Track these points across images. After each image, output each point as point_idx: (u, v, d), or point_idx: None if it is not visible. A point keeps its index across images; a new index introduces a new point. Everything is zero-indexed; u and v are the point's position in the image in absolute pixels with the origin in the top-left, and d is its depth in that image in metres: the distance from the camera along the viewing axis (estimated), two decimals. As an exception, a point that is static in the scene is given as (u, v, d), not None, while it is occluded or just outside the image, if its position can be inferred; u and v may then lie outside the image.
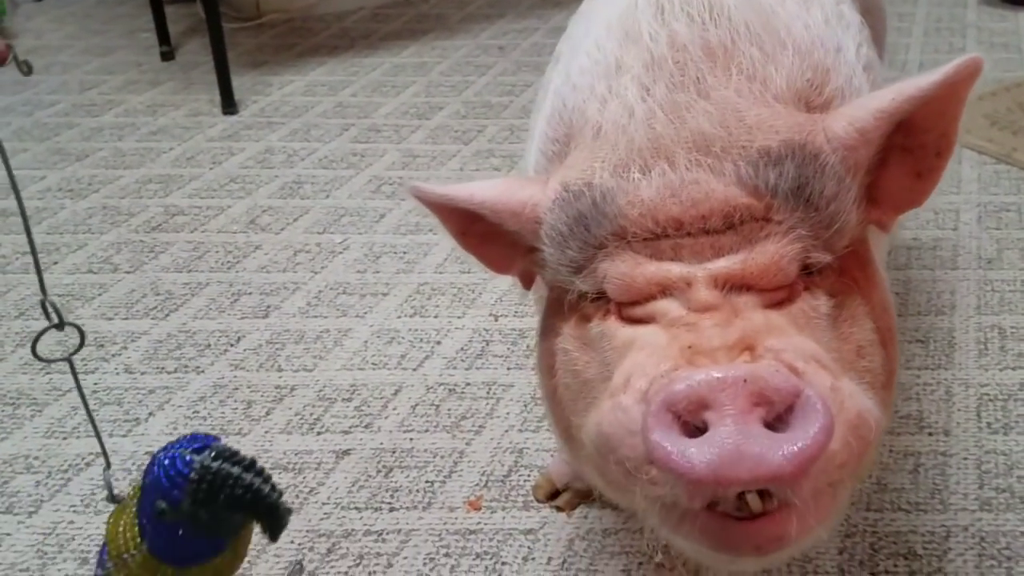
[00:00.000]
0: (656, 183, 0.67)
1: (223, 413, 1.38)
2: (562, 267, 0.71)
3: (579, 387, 0.72)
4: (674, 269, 0.66)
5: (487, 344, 1.51)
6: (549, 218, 0.71)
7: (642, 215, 0.67)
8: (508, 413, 1.37)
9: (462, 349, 1.50)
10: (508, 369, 1.46)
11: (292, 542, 1.17)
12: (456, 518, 1.19)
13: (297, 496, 1.23)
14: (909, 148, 0.70)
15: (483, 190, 0.74)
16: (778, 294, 0.66)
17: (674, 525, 0.62)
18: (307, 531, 1.18)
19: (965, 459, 1.26)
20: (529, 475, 1.26)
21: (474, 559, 1.14)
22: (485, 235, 0.77)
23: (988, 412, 1.34)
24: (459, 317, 1.57)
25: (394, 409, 1.38)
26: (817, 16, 0.79)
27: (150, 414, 1.38)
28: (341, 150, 2.19)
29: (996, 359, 1.45)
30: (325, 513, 1.20)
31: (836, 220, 0.67)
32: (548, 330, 0.77)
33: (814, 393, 0.57)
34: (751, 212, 0.66)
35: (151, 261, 1.76)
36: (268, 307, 1.62)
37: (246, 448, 1.30)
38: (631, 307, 0.68)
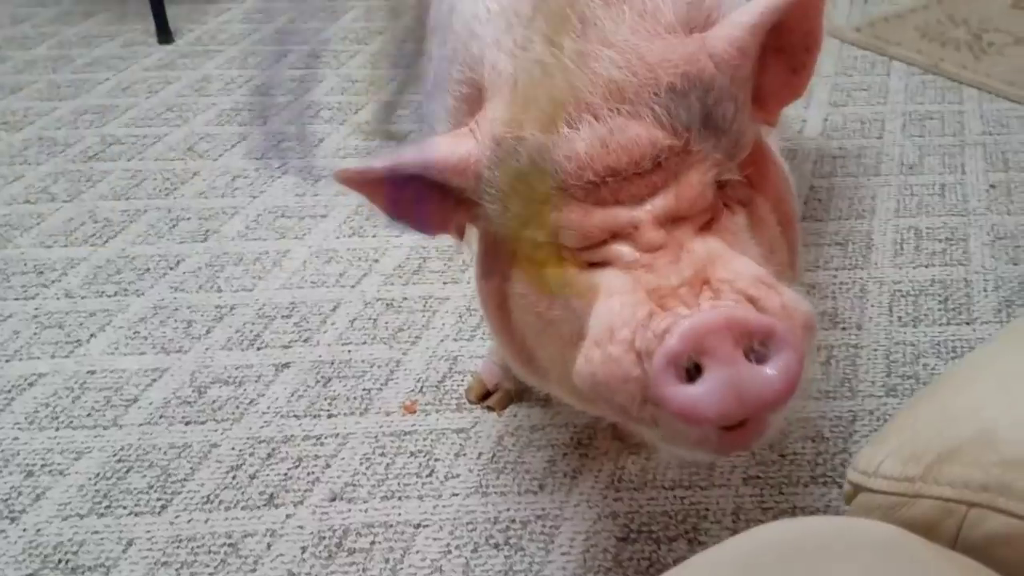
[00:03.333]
0: (586, 136, 0.71)
1: (164, 332, 1.41)
2: (506, 219, 0.76)
3: (543, 326, 0.78)
4: (621, 214, 0.72)
5: (424, 260, 1.55)
6: (488, 175, 0.75)
7: (580, 168, 0.72)
8: (443, 324, 1.41)
9: (399, 266, 1.54)
10: (444, 284, 1.50)
11: (233, 448, 1.21)
12: (392, 421, 1.25)
13: (237, 407, 1.27)
14: (781, 48, 0.76)
15: (427, 152, 0.77)
16: (705, 216, 0.73)
17: (674, 441, 0.71)
18: (247, 438, 1.23)
19: (875, 350, 1.34)
20: (463, 380, 1.31)
21: (408, 457, 1.20)
22: (416, 199, 0.80)
23: (899, 307, 1.41)
24: (397, 236, 1.60)
25: (333, 324, 1.42)
26: None
27: (91, 335, 1.41)
28: (278, 76, 2.18)
29: (911, 258, 1.51)
30: (265, 422, 1.25)
31: (739, 135, 0.74)
32: (491, 272, 0.82)
33: (782, 327, 0.65)
34: (673, 149, 0.72)
35: (89, 190, 1.77)
36: (207, 231, 1.64)
37: (186, 365, 1.35)
38: (585, 251, 0.73)
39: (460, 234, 0.85)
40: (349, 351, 1.37)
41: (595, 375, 0.69)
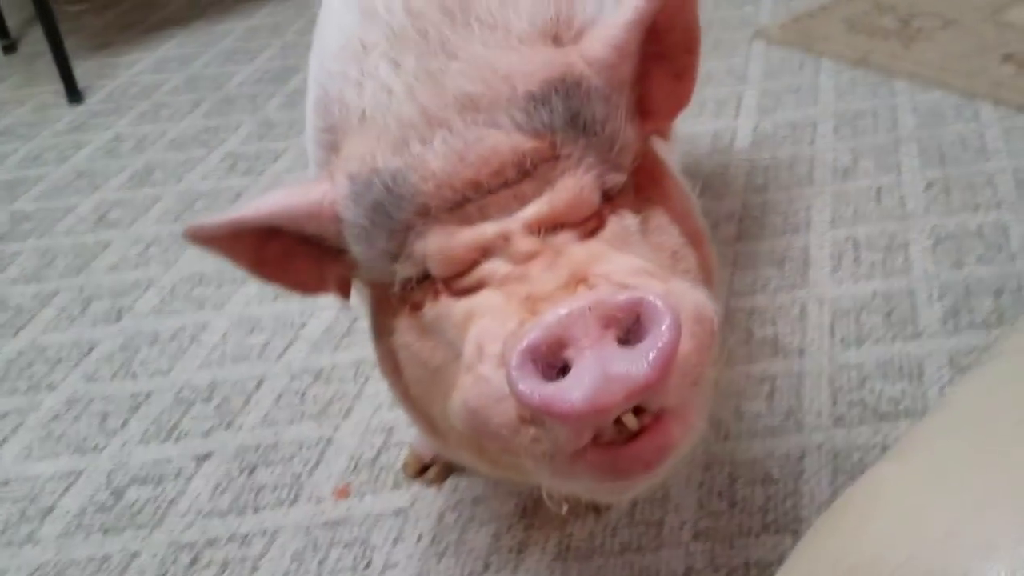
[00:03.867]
0: (441, 151, 0.66)
1: (78, 430, 1.33)
2: (376, 260, 0.70)
3: (431, 377, 0.71)
4: (488, 228, 0.66)
5: (355, 321, 1.48)
6: (347, 215, 0.69)
7: (439, 186, 0.66)
8: (377, 391, 1.35)
9: (328, 329, 1.47)
10: (373, 344, 1.43)
11: (155, 556, 1.14)
12: (324, 509, 1.18)
13: (157, 509, 1.20)
14: (662, 53, 0.72)
15: (272, 201, 0.71)
16: (589, 224, 0.68)
17: (565, 472, 0.62)
18: (169, 544, 1.15)
19: (819, 377, 1.29)
20: (399, 453, 1.25)
21: (343, 548, 1.13)
22: (284, 256, 0.75)
23: (841, 326, 1.37)
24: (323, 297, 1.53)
25: (256, 403, 1.34)
26: None
27: (3, 440, 1.33)
28: (193, 128, 2.10)
29: (850, 271, 1.47)
30: (187, 524, 1.18)
31: (616, 139, 0.69)
32: (382, 330, 0.76)
33: (653, 297, 0.58)
34: (539, 154, 0.67)
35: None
36: (120, 310, 1.56)
37: (102, 464, 1.27)
38: (458, 279, 0.68)
39: (343, 291, 0.78)
40: (275, 432, 1.30)
41: (467, 402, 0.62)
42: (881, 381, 1.27)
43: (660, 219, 0.72)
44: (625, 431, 0.60)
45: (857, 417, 1.22)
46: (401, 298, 0.71)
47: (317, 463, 1.24)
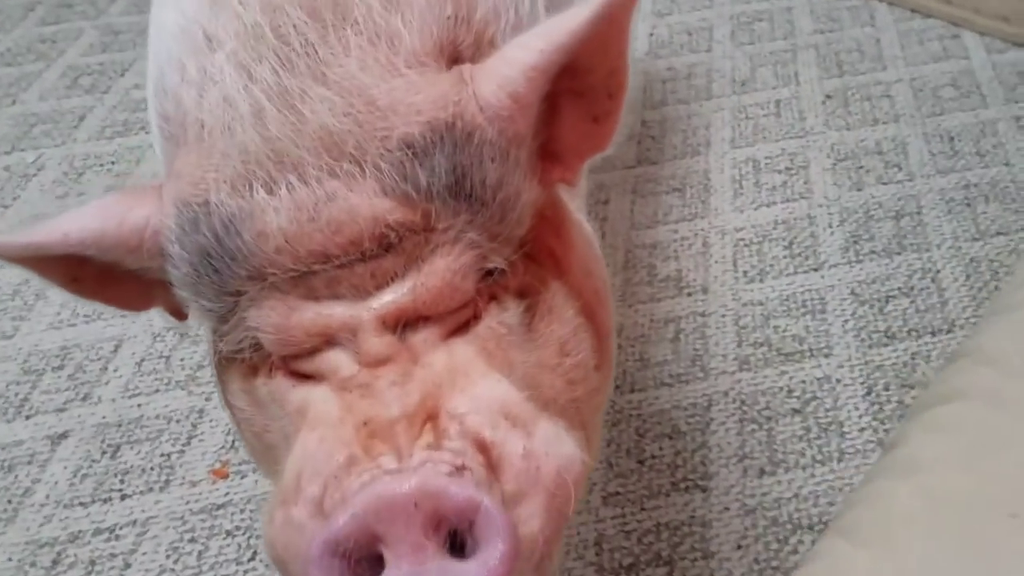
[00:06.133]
0: (287, 205, 0.53)
1: (-92, 411, 1.17)
2: (204, 314, 0.57)
3: (264, 450, 0.61)
4: (335, 313, 0.54)
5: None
6: (171, 251, 0.56)
7: (278, 250, 0.53)
8: (252, 346, 1.23)
9: (191, 278, 1.33)
10: (246, 294, 1.30)
11: (10, 559, 1.02)
12: (200, 493, 1.08)
13: (10, 502, 1.07)
14: (579, 92, 0.58)
15: (81, 222, 0.56)
16: (460, 314, 0.55)
17: None
18: (26, 543, 1.03)
19: (723, 316, 1.24)
20: (278, 421, 1.14)
21: (224, 538, 1.03)
22: (102, 278, 0.60)
23: (744, 259, 1.32)
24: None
25: (115, 371, 1.21)
26: None
27: None
28: (27, 37, 1.84)
29: (751, 197, 1.41)
30: (45, 517, 1.06)
31: (508, 208, 0.55)
32: (219, 371, 0.63)
33: (493, 506, 0.48)
34: (408, 226, 0.53)
35: None
36: (-49, 263, 1.37)
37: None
38: (296, 360, 0.55)
39: (177, 316, 0.64)
40: (139, 405, 1.17)
41: (274, 543, 0.52)
42: (785, 318, 1.23)
43: (553, 297, 0.60)
44: None
45: (762, 358, 1.18)
46: (224, 351, 0.59)
47: (189, 439, 1.13)
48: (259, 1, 0.56)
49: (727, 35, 1.74)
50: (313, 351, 0.54)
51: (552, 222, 0.61)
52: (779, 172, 1.45)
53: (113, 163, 1.52)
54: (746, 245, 1.34)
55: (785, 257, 1.32)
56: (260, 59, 0.54)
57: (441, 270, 0.54)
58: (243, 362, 0.58)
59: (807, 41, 1.71)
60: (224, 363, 0.60)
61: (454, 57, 0.58)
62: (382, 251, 0.53)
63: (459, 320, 0.55)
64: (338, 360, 0.54)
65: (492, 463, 0.50)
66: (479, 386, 0.53)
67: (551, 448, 0.52)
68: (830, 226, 1.36)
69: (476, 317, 0.55)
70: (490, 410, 0.52)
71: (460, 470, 0.49)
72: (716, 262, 1.31)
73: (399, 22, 0.55)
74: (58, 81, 1.72)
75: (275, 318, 0.54)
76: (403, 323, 0.54)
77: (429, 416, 0.51)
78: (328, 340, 0.54)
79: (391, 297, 0.53)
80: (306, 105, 0.53)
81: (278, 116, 0.53)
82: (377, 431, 0.51)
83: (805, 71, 1.64)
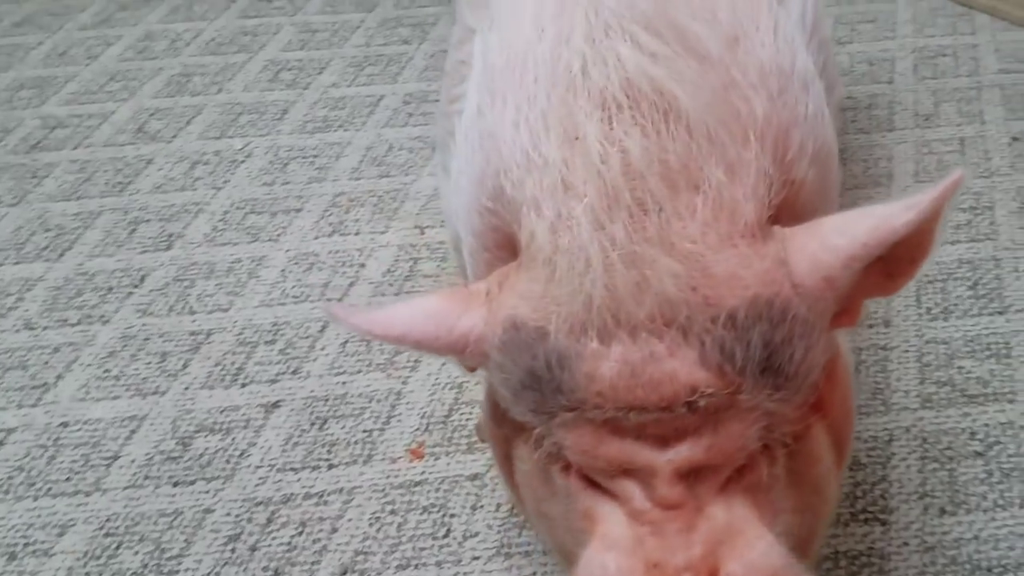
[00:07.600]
0: (616, 359, 0.60)
1: (137, 369, 1.29)
2: (512, 408, 0.66)
3: (535, 510, 0.72)
4: (639, 455, 0.61)
5: (415, 262, 1.42)
6: (497, 358, 0.65)
7: (600, 395, 0.61)
8: (442, 338, 1.30)
9: (388, 271, 1.41)
10: (440, 289, 1.38)
11: (229, 514, 1.12)
12: (399, 470, 1.16)
13: (228, 461, 1.17)
14: (881, 256, 0.62)
15: (411, 319, 0.65)
16: (735, 465, 0.63)
17: None
18: (243, 501, 1.13)
19: (906, 352, 1.25)
20: (471, 412, 1.22)
21: (421, 514, 1.11)
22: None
23: (928, 296, 1.33)
24: (382, 233, 1.47)
25: (322, 349, 1.30)
26: (785, 61, 0.68)
27: (58, 377, 1.29)
28: (229, 29, 1.98)
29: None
30: (260, 478, 1.15)
31: (805, 380, 0.62)
32: (499, 419, 0.71)
33: None
34: (715, 395, 0.60)
35: (35, 189, 1.60)
36: (171, 236, 1.49)
37: (165, 410, 1.23)
38: (593, 472, 0.65)
39: (469, 368, 0.75)
40: (344, 383, 1.26)
41: None
42: (969, 360, 1.24)
43: (815, 442, 0.66)
44: None
45: (945, 398, 1.19)
46: (524, 434, 0.68)
47: (388, 419, 1.21)
48: (620, 165, 0.61)
49: (909, 68, 1.74)
50: (610, 473, 0.62)
51: (826, 366, 0.65)
52: (963, 211, 1.45)
53: (316, 156, 1.63)
54: (929, 282, 1.34)
55: (970, 297, 1.32)
56: (615, 220, 0.60)
57: (736, 434, 0.60)
58: (533, 447, 0.66)
59: (992, 80, 1.70)
60: (514, 424, 0.68)
61: (773, 219, 0.63)
62: (688, 410, 0.60)
63: (735, 467, 0.62)
64: (632, 491, 0.62)
65: None
66: (755, 550, 0.59)
67: None
68: (1016, 270, 1.35)
69: (749, 467, 0.62)
70: (762, 564, 0.59)
71: None
72: (899, 296, 1.32)
73: (739, 193, 0.61)
74: (260, 74, 1.85)
75: (585, 444, 0.62)
76: (693, 474, 0.61)
77: (709, 573, 0.59)
78: (626, 472, 0.62)
79: (688, 452, 0.60)
80: (653, 272, 0.59)
81: (625, 275, 0.59)
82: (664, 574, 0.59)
83: (990, 110, 1.63)
